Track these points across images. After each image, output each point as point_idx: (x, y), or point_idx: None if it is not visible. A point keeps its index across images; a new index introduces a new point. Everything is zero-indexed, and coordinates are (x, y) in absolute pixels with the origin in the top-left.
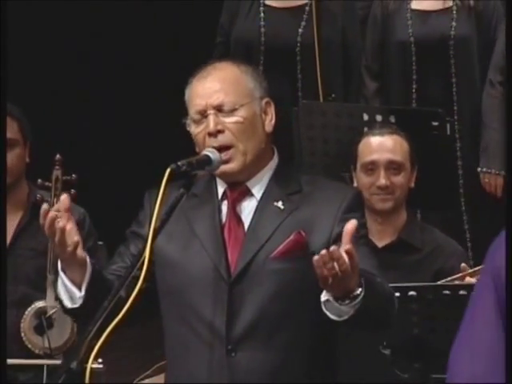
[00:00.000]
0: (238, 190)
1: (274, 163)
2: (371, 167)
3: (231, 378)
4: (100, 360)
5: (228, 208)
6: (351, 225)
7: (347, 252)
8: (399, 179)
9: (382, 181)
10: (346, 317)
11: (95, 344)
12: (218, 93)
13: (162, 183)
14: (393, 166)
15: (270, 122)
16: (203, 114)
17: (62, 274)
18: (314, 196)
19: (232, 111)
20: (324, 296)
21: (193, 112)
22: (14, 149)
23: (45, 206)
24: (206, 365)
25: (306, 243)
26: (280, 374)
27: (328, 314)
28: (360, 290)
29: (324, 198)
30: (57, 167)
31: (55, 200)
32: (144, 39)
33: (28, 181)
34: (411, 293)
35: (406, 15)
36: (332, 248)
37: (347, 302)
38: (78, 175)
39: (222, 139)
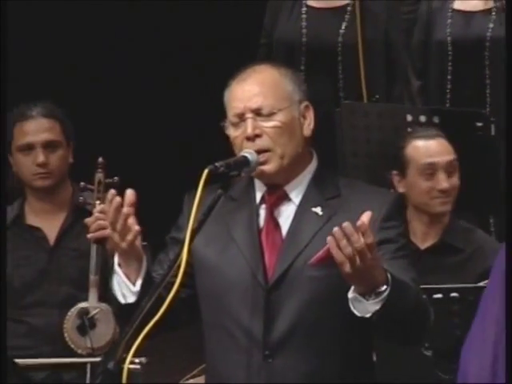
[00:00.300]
0: (276, 194)
1: (312, 167)
2: (430, 171)
3: (268, 383)
4: (137, 360)
5: (266, 213)
6: (366, 217)
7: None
8: (455, 180)
9: (445, 184)
10: (370, 314)
11: (132, 344)
12: (257, 96)
13: (200, 184)
14: (450, 169)
15: (308, 126)
16: (241, 118)
17: (117, 268)
18: (353, 201)
19: (270, 115)
20: (351, 293)
21: (231, 115)
22: (57, 150)
23: (112, 191)
24: (243, 370)
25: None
26: (316, 379)
27: (354, 311)
28: (386, 286)
29: (363, 203)
30: (99, 170)
31: (98, 203)
32: (186, 40)
33: (72, 182)
34: (453, 294)
35: (447, 14)
36: (344, 224)
37: (372, 297)
38: (121, 177)
39: (259, 143)
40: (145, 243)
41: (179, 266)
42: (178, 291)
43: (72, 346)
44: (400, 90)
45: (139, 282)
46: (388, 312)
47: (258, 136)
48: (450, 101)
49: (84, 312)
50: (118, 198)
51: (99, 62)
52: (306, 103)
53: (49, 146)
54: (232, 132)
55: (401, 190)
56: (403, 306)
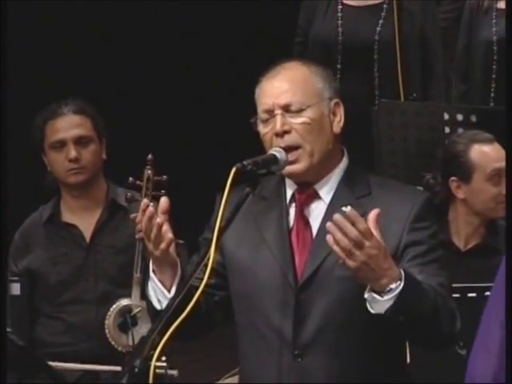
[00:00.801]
0: (306, 192)
1: (343, 165)
2: (498, 177)
3: (298, 383)
4: (164, 358)
5: (296, 211)
6: (374, 214)
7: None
8: None
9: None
10: (384, 309)
11: (159, 342)
12: (286, 93)
13: (228, 182)
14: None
15: (338, 123)
16: (270, 114)
17: (152, 274)
18: (384, 200)
19: (299, 112)
20: (366, 293)
21: (260, 111)
22: (89, 145)
23: (145, 200)
24: (273, 369)
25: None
26: (345, 379)
27: (371, 310)
28: (399, 283)
29: (393, 203)
30: (148, 167)
31: (146, 199)
32: (224, 39)
33: (106, 178)
34: (487, 293)
35: (493, 14)
36: (335, 216)
37: (386, 294)
38: (169, 176)
39: (288, 140)
40: (181, 241)
41: (207, 266)
42: (203, 291)
43: (113, 342)
44: (436, 90)
45: (174, 289)
46: (401, 309)
47: (286, 132)
48: (494, 100)
49: (126, 310)
50: (151, 208)
51: (148, 60)
52: (336, 100)
53: (80, 141)
54: (262, 129)
55: (460, 196)
56: (418, 305)
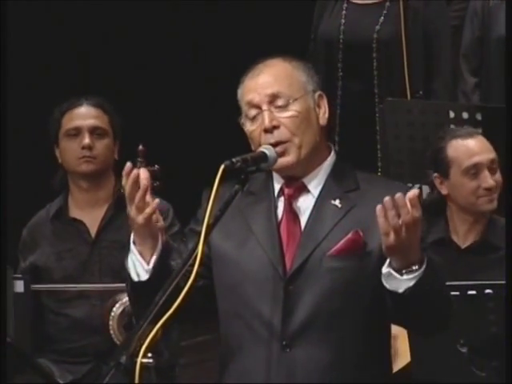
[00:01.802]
0: (295, 186)
1: (331, 160)
2: (475, 171)
3: (286, 373)
4: (149, 355)
5: (284, 204)
6: (413, 193)
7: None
8: (498, 177)
9: (491, 181)
10: (402, 290)
11: (145, 339)
12: (272, 86)
13: (216, 180)
14: (493, 166)
15: (323, 115)
16: (258, 110)
17: (132, 246)
18: (371, 195)
19: (286, 106)
20: (385, 268)
21: (247, 108)
22: (104, 138)
23: (128, 164)
24: (260, 360)
25: (363, 242)
26: (333, 370)
27: (386, 285)
28: (422, 265)
29: (381, 197)
30: (140, 159)
31: (128, 163)
32: (236, 37)
33: (116, 176)
34: (488, 291)
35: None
36: (397, 195)
37: (407, 274)
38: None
39: (278, 135)
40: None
41: (194, 263)
42: (192, 286)
43: (118, 342)
44: (440, 84)
45: (153, 260)
46: (420, 291)
47: (275, 127)
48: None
49: (130, 310)
50: (135, 171)
51: (137, 51)
52: (319, 92)
53: (95, 132)
54: (249, 126)
55: (444, 191)
56: (434, 289)
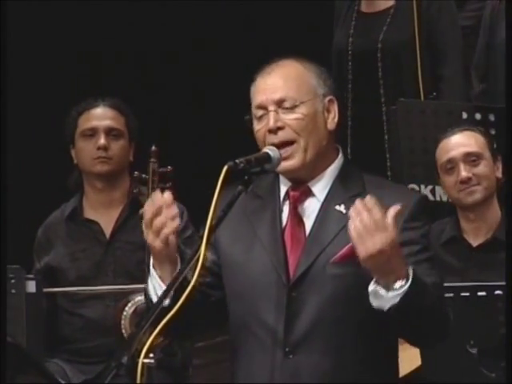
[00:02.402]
0: (300, 190)
1: (337, 163)
2: (450, 166)
3: (288, 380)
4: (151, 355)
5: (289, 209)
6: (394, 210)
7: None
8: (481, 169)
9: (463, 173)
10: (388, 306)
11: (147, 339)
12: (280, 89)
13: (219, 181)
14: (470, 158)
15: (332, 119)
16: (264, 110)
17: (152, 270)
18: (378, 199)
19: (293, 108)
20: (371, 286)
21: (254, 107)
22: (119, 140)
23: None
24: (263, 367)
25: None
26: (336, 377)
27: (373, 304)
28: (406, 280)
29: (387, 202)
30: (153, 159)
31: (152, 193)
32: (251, 38)
33: (130, 178)
34: (497, 292)
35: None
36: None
37: (392, 290)
38: (174, 167)
39: (282, 135)
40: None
41: (198, 265)
42: (200, 290)
43: None
44: (451, 71)
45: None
46: (405, 308)
47: (280, 128)
48: None
49: (142, 309)
50: (164, 197)
51: (150, 50)
52: (330, 97)
53: (111, 133)
54: (255, 125)
55: (444, 190)
56: (421, 305)
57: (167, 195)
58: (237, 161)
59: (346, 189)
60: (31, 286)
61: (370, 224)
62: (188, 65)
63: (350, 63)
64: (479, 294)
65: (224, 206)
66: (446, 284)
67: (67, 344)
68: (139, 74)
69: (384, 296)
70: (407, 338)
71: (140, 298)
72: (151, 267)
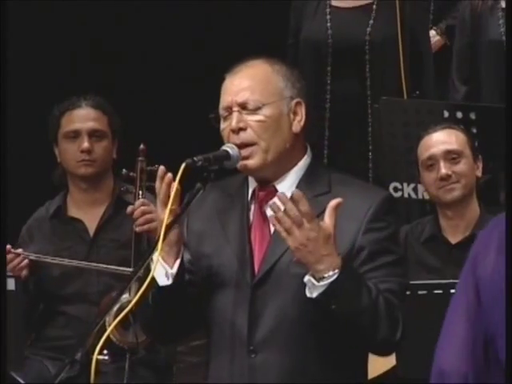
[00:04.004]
0: (267, 189)
1: (303, 163)
2: (430, 163)
3: (251, 379)
4: (105, 352)
5: (255, 208)
6: (335, 200)
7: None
8: (460, 167)
9: (443, 170)
10: (316, 294)
11: (101, 336)
12: (245, 90)
13: (177, 178)
14: (451, 156)
15: (298, 122)
16: (229, 111)
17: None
18: (343, 198)
19: (256, 110)
20: (306, 277)
21: (220, 107)
22: (102, 141)
23: (162, 167)
24: (228, 365)
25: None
26: (299, 376)
27: (307, 294)
28: (337, 271)
29: (352, 201)
30: (141, 158)
31: (140, 191)
32: (239, 35)
33: (114, 176)
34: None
35: (498, 14)
36: (279, 193)
37: (321, 279)
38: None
39: (243, 137)
40: None
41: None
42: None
43: (116, 341)
44: (427, 81)
45: (176, 264)
46: (333, 299)
47: (242, 129)
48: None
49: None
50: (169, 174)
51: (138, 48)
52: (297, 99)
53: (94, 134)
54: (221, 124)
55: (424, 188)
56: (352, 299)
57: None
58: (195, 158)
59: (311, 188)
60: (10, 284)
61: (296, 215)
62: (178, 62)
63: (329, 57)
64: (452, 291)
65: (183, 204)
66: (420, 282)
67: (51, 341)
68: (128, 72)
69: (315, 285)
70: (353, 342)
71: (124, 295)
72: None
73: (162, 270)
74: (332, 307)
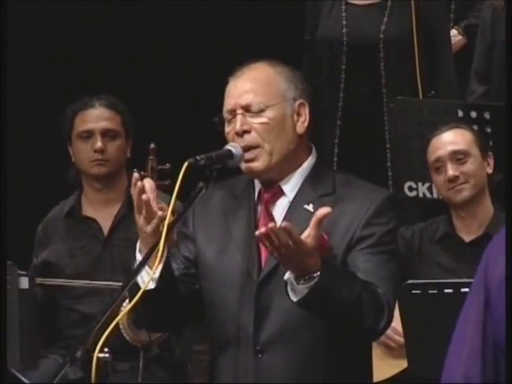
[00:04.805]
0: (272, 190)
1: (308, 163)
2: (438, 165)
3: (257, 379)
4: (106, 349)
5: (262, 208)
6: (322, 210)
7: (285, 229)
8: (468, 167)
9: (450, 172)
10: (299, 296)
11: (102, 334)
12: (248, 93)
13: (179, 177)
14: (457, 157)
15: (302, 123)
16: (233, 114)
17: (138, 254)
18: (346, 198)
19: (259, 112)
20: (286, 275)
21: (224, 111)
22: (116, 140)
23: (135, 174)
24: (233, 364)
25: (328, 246)
26: (304, 376)
27: (289, 294)
28: (318, 273)
29: (354, 201)
30: (151, 157)
31: (136, 174)
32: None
33: (128, 175)
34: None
35: None
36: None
37: (302, 282)
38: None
39: (248, 139)
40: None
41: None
42: (184, 281)
43: (129, 339)
44: (444, 77)
45: (159, 269)
46: (316, 295)
47: (246, 132)
48: None
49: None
50: (139, 184)
51: (150, 48)
52: (301, 101)
53: (107, 134)
54: (226, 127)
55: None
56: (333, 299)
57: (147, 181)
58: (197, 157)
59: (315, 188)
60: (24, 283)
61: (291, 247)
62: (189, 62)
63: (344, 56)
64: (463, 290)
65: (185, 204)
66: (430, 281)
67: (65, 340)
68: (139, 71)
69: (296, 287)
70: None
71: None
72: (137, 252)
73: (146, 275)
74: (315, 309)
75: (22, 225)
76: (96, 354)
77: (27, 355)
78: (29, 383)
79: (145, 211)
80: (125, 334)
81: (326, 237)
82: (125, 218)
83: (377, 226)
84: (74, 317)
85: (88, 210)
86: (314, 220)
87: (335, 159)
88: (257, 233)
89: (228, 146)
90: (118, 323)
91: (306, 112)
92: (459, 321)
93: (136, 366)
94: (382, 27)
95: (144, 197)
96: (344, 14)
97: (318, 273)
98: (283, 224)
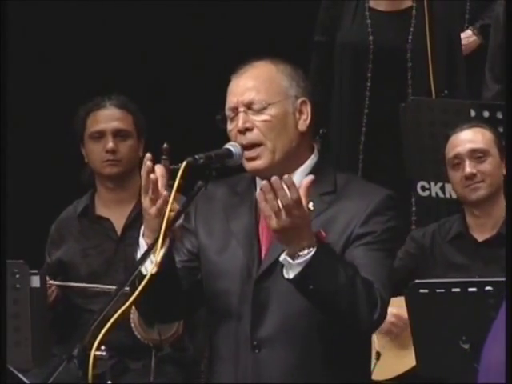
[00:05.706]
0: None
1: (310, 162)
2: (457, 162)
3: (255, 374)
4: (103, 347)
5: None
6: (307, 179)
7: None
8: (486, 166)
9: (468, 169)
10: (292, 275)
11: (99, 332)
12: (250, 91)
13: (178, 175)
14: (476, 155)
15: (304, 121)
16: (235, 111)
17: (141, 239)
18: (346, 197)
19: (261, 109)
20: (282, 256)
21: (227, 108)
22: (127, 140)
23: (148, 154)
24: (232, 360)
25: (327, 242)
26: (302, 372)
27: (284, 274)
28: (312, 249)
29: (355, 200)
30: (164, 157)
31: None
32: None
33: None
34: (488, 288)
35: None
36: (272, 178)
37: (297, 258)
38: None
39: (250, 137)
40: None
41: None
42: (185, 272)
43: (140, 337)
44: (460, 78)
45: (161, 254)
46: (309, 274)
47: (248, 130)
48: None
49: None
50: (149, 163)
51: (160, 48)
52: (303, 99)
53: (119, 134)
54: (228, 125)
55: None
56: (328, 277)
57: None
58: (196, 156)
59: (317, 186)
60: (35, 281)
61: (288, 202)
62: (203, 61)
63: (370, 64)
64: (470, 290)
65: (184, 202)
66: (438, 280)
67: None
68: (151, 70)
69: (291, 264)
70: (335, 323)
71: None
72: (140, 237)
73: (149, 265)
74: (310, 287)
75: (35, 224)
76: (93, 351)
77: (39, 354)
78: (29, 383)
79: (151, 192)
80: (136, 333)
81: (323, 233)
82: (138, 218)
83: (375, 223)
84: (86, 316)
85: (101, 210)
86: (303, 189)
87: (360, 165)
88: (257, 193)
89: (227, 145)
90: (116, 321)
91: (308, 110)
92: (499, 313)
93: (148, 365)
94: (410, 37)
95: (152, 176)
96: (369, 21)
97: (314, 249)
98: (285, 176)
